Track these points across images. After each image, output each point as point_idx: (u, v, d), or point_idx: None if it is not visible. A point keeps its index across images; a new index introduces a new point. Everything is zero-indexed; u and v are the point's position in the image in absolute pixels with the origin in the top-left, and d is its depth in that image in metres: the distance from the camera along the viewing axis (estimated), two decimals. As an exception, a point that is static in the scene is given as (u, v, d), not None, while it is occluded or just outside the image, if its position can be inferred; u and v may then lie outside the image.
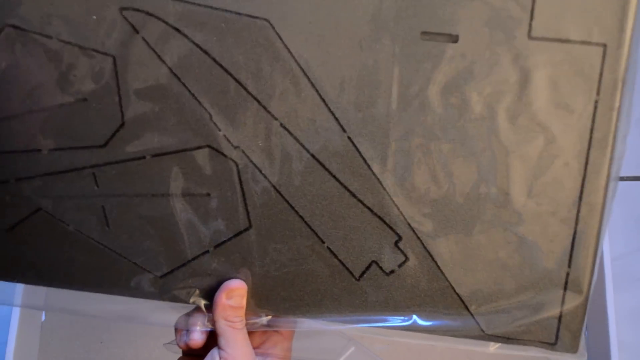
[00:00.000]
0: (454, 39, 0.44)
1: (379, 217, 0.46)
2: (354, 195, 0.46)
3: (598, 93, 0.43)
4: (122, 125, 0.46)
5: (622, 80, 0.43)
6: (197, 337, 0.49)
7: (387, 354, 0.75)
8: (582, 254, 0.45)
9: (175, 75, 0.45)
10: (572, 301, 0.46)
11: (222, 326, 0.47)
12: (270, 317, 0.49)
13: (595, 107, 0.44)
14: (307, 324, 0.48)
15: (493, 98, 0.44)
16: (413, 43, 0.44)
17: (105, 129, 0.46)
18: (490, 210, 0.45)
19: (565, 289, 0.46)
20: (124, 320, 0.49)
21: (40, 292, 0.59)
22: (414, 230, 0.46)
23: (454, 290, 0.46)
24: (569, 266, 0.45)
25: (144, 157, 0.46)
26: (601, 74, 0.43)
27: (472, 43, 0.43)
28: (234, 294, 0.47)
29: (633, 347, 0.77)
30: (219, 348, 0.47)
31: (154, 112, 0.46)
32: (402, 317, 0.47)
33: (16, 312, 0.71)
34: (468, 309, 0.46)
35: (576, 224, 0.45)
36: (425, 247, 0.46)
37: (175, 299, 0.48)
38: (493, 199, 0.45)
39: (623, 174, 0.82)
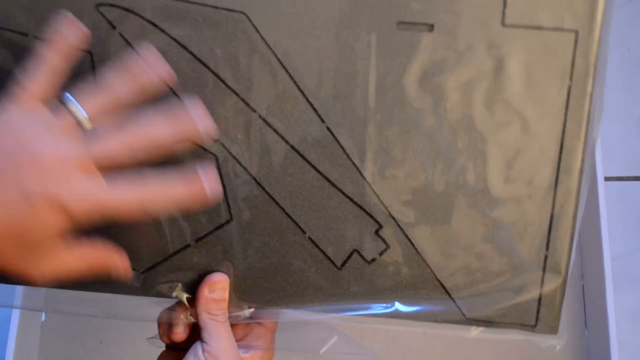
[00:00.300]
0: (429, 28, 0.44)
1: (359, 206, 0.46)
2: (334, 185, 0.46)
3: (571, 79, 0.44)
4: None
5: (594, 65, 0.44)
6: (180, 331, 0.49)
7: (387, 354, 0.75)
8: (560, 237, 0.46)
9: (153, 69, 0.45)
10: (551, 283, 0.47)
11: (205, 319, 0.47)
12: (252, 309, 0.49)
13: (569, 93, 0.45)
14: (289, 315, 0.49)
15: (469, 86, 0.45)
16: (389, 33, 0.44)
17: (83, 126, 0.46)
18: (468, 196, 0.46)
19: (544, 271, 0.46)
20: (107, 317, 0.48)
21: (40, 294, 0.59)
22: (394, 218, 0.46)
23: (435, 276, 0.47)
24: (547, 249, 0.46)
25: None
26: (573, 60, 0.44)
27: (447, 32, 0.44)
28: (216, 287, 0.47)
29: (633, 347, 0.78)
30: (202, 341, 0.47)
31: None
32: (384, 305, 0.47)
33: (16, 312, 0.71)
34: (449, 294, 0.47)
35: (553, 207, 0.46)
36: (405, 235, 0.46)
37: (157, 294, 0.48)
38: (471, 185, 0.46)
39: (623, 174, 0.83)
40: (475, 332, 0.48)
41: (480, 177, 0.46)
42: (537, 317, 0.47)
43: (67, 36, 0.40)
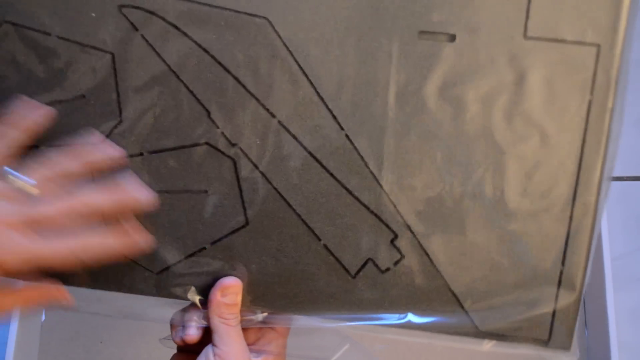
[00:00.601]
0: (451, 38, 0.44)
1: (376, 215, 0.46)
2: (350, 193, 0.46)
3: (592, 93, 0.44)
4: (120, 122, 0.46)
5: (615, 80, 0.44)
6: (193, 333, 0.49)
7: (387, 354, 0.75)
8: (576, 252, 0.46)
9: (173, 72, 0.45)
10: (566, 298, 0.46)
11: (216, 323, 0.47)
12: (265, 314, 0.49)
13: (589, 107, 0.44)
14: (302, 321, 0.49)
15: (489, 97, 0.45)
16: (411, 42, 0.44)
17: (102, 126, 0.47)
18: (485, 208, 0.46)
19: (558, 286, 0.46)
20: (122, 317, 0.48)
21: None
22: (409, 228, 0.46)
23: (449, 288, 0.47)
24: (563, 264, 0.46)
25: (141, 154, 0.47)
26: (595, 74, 0.44)
27: (468, 43, 0.44)
28: (229, 291, 0.48)
29: (633, 347, 0.78)
30: (213, 345, 0.47)
31: (152, 109, 0.46)
32: (397, 315, 0.47)
33: (16, 312, 0.71)
34: (462, 306, 0.47)
35: (570, 222, 0.46)
36: (420, 245, 0.46)
37: (171, 295, 0.48)
38: (488, 197, 0.46)
39: (623, 174, 0.83)
40: (487, 345, 0.48)
41: (497, 189, 0.46)
42: (550, 332, 0.47)
43: (25, 115, 0.46)
